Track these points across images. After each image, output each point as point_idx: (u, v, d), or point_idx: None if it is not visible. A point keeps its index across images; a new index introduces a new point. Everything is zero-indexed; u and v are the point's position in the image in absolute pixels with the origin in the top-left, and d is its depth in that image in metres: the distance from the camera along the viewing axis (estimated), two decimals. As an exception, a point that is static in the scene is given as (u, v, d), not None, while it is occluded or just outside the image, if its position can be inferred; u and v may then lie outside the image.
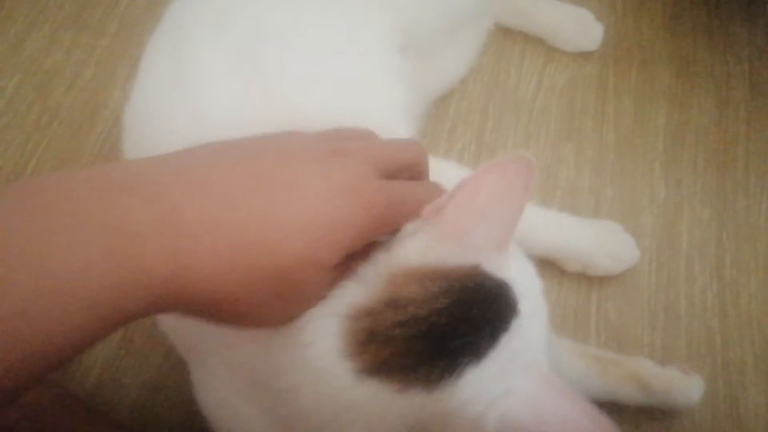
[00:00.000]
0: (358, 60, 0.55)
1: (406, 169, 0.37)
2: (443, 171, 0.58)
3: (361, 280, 0.33)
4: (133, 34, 0.79)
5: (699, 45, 0.79)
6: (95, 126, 0.73)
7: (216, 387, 0.41)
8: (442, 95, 0.74)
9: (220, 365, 0.40)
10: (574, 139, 0.73)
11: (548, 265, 0.65)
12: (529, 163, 0.33)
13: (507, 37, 0.78)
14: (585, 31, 0.77)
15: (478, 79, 0.76)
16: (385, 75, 0.56)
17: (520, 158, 0.32)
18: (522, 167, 0.33)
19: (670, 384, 0.57)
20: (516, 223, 0.34)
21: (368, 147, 0.36)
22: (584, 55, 0.77)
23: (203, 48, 0.48)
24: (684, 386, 0.57)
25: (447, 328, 0.31)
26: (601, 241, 0.65)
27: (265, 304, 0.31)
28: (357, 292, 0.33)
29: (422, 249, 0.33)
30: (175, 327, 0.45)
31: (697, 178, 0.71)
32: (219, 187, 0.31)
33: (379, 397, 0.31)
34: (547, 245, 0.63)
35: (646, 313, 0.64)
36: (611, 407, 0.58)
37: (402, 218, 0.35)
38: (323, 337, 0.32)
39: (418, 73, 0.60)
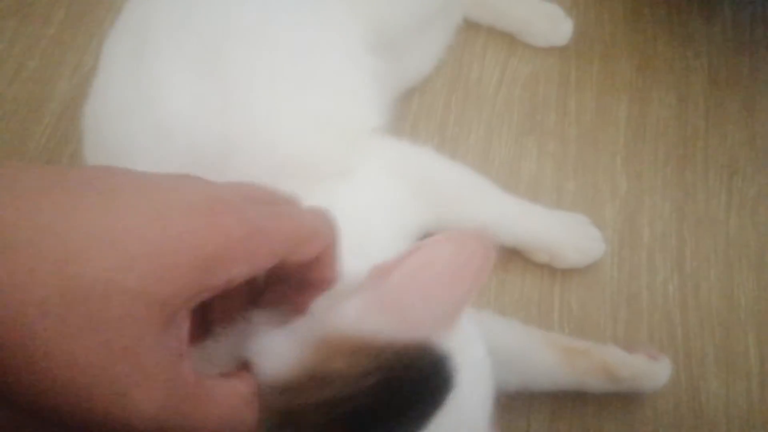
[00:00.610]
0: (329, 60, 0.54)
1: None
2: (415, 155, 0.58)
3: (286, 340, 0.28)
4: (82, 22, 0.76)
5: (659, 39, 0.79)
6: (42, 118, 0.70)
7: None
8: (406, 90, 0.73)
9: None
10: (536, 132, 0.72)
11: (512, 258, 0.64)
12: (488, 243, 0.30)
13: (470, 29, 0.78)
14: (554, 26, 0.77)
15: (441, 73, 0.75)
16: (357, 73, 0.55)
17: (481, 237, 0.30)
18: (481, 247, 0.30)
19: (637, 371, 0.57)
20: (466, 304, 0.30)
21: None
22: (546, 49, 0.77)
23: (165, 48, 0.46)
24: (651, 372, 0.58)
25: (373, 409, 0.27)
26: (569, 234, 0.65)
27: (59, 335, 0.21)
28: (278, 359, 0.28)
29: (358, 316, 0.29)
30: None
31: (657, 172, 0.71)
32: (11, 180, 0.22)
33: None
34: (516, 236, 0.63)
35: (609, 306, 0.64)
36: (575, 397, 0.57)
37: (267, 254, 0.26)
38: None
39: (389, 70, 0.59)
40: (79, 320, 0.21)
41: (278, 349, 0.28)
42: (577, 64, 0.77)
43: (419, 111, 0.73)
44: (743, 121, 0.74)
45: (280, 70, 0.50)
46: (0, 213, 0.21)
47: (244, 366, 0.28)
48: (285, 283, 0.30)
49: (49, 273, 0.21)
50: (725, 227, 0.68)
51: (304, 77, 0.51)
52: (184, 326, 0.24)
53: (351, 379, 0.27)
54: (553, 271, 0.64)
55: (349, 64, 0.55)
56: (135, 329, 0.22)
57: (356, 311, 0.29)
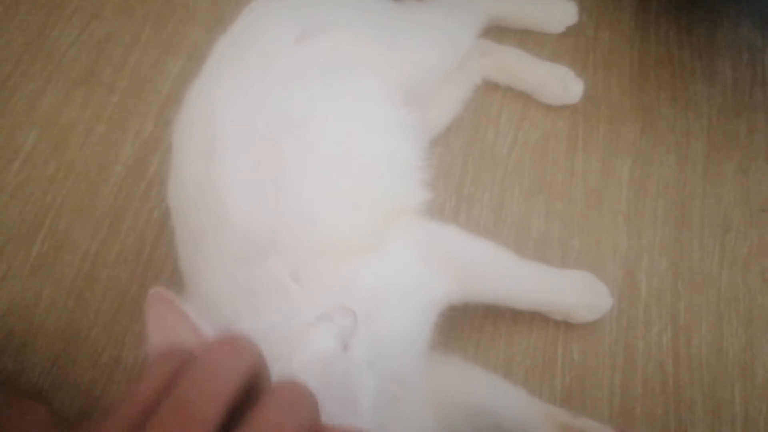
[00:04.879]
0: (370, 128, 0.63)
1: None
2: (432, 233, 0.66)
3: None
4: (142, 90, 0.85)
5: (662, 102, 0.86)
6: (108, 179, 0.79)
7: None
8: (429, 142, 0.81)
9: None
10: (545, 192, 0.80)
11: (520, 312, 0.72)
12: (153, 295, 0.35)
13: (487, 94, 0.85)
14: (566, 86, 0.85)
15: (460, 135, 0.83)
16: (394, 131, 0.64)
17: (149, 297, 0.35)
18: (154, 300, 0.35)
19: None
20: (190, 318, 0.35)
21: None
22: (557, 112, 0.85)
23: (231, 146, 0.56)
24: None
25: None
26: (580, 294, 0.72)
27: None
28: None
29: None
30: None
31: (656, 230, 0.78)
32: None
33: None
34: (534, 303, 0.71)
35: (607, 355, 0.71)
36: None
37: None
38: None
39: (419, 120, 0.68)
40: None
41: None
42: (584, 127, 0.84)
43: (438, 171, 0.81)
44: (738, 182, 0.81)
45: (326, 159, 0.58)
46: None
47: None
48: None
49: None
50: (717, 283, 0.75)
51: (346, 162, 0.59)
52: None
53: None
54: (557, 324, 0.72)
55: (386, 142, 0.63)
56: None
57: None
